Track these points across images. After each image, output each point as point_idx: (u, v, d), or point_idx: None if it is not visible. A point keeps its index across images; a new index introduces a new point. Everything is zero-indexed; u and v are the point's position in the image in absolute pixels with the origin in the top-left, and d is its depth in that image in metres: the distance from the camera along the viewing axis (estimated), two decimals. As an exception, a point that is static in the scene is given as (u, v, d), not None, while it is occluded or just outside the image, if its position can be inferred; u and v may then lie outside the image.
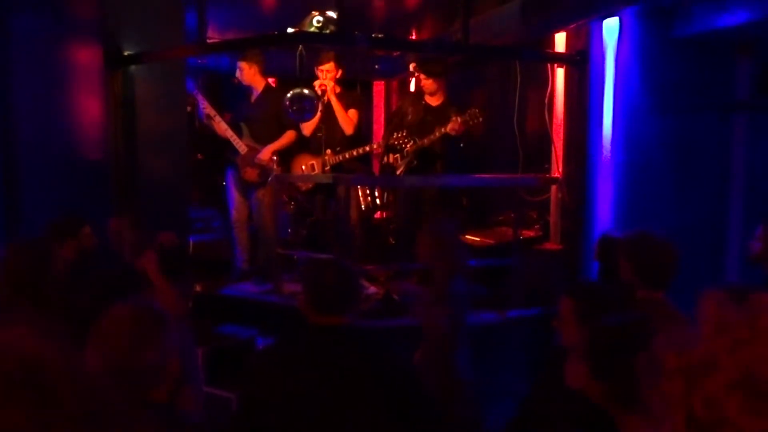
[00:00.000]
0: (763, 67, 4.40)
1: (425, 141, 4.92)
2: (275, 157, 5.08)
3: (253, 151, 5.05)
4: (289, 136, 5.13)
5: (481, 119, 4.72)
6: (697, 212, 4.34)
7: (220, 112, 5.20)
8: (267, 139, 5.08)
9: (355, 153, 5.08)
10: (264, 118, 5.09)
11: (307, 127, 5.16)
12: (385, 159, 5.12)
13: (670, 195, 4.31)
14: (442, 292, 3.00)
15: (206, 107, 5.08)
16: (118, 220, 3.68)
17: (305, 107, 4.58)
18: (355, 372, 1.96)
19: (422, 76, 5.05)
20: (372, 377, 1.96)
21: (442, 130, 4.80)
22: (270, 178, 4.98)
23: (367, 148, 5.08)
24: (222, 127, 5.07)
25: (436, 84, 5.04)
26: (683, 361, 1.02)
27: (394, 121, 5.27)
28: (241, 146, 5.07)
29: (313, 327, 2.09)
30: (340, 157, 5.08)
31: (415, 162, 5.01)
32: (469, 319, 4.38)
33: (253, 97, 5.18)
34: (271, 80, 7.16)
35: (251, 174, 5.06)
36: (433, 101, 5.12)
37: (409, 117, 5.13)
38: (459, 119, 4.72)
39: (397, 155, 5.06)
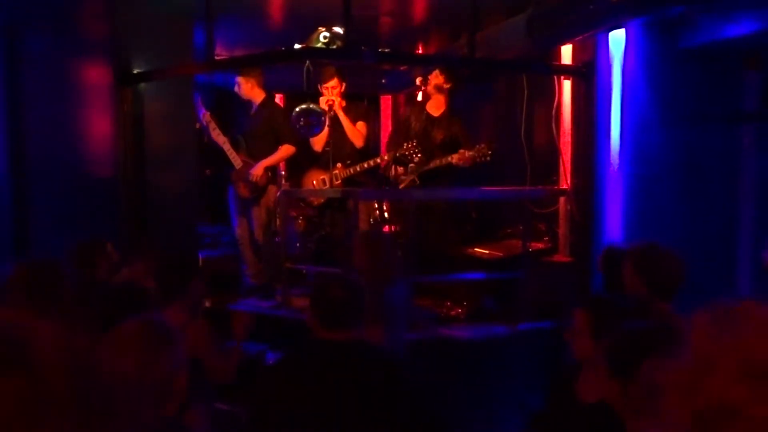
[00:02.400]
0: (771, 77, 4.39)
1: (430, 165, 4.95)
2: (283, 172, 5.11)
3: (247, 166, 5.07)
4: (284, 151, 5.11)
5: (489, 156, 4.76)
6: (707, 223, 4.31)
7: (228, 129, 5.25)
8: (263, 153, 5.09)
9: (366, 165, 5.10)
10: (260, 132, 5.13)
11: (318, 143, 5.19)
12: (392, 171, 5.13)
13: (679, 206, 4.29)
14: (377, 303, 2.99)
15: (209, 121, 5.12)
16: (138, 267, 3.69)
17: (312, 122, 4.61)
18: (364, 388, 1.95)
19: (436, 75, 5.04)
20: (381, 394, 1.95)
21: (448, 159, 4.86)
22: (278, 194, 5.01)
23: (378, 161, 5.10)
24: (220, 141, 5.11)
25: (443, 90, 5.07)
26: (682, 365, 1.02)
27: (400, 131, 5.30)
28: (236, 161, 5.10)
29: (320, 342, 2.08)
30: (351, 171, 5.10)
31: (418, 182, 5.03)
32: (478, 332, 4.41)
33: (252, 111, 5.23)
34: (278, 97, 7.24)
35: (243, 189, 5.09)
36: (435, 111, 5.15)
37: (413, 125, 5.18)
38: (467, 154, 4.79)
39: (401, 169, 5.08)
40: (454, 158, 4.83)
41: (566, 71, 4.76)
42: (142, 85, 4.76)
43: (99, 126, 4.52)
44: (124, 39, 4.63)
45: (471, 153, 4.79)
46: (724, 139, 4.47)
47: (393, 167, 5.11)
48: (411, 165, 5.00)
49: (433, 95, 5.16)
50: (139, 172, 4.74)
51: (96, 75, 4.52)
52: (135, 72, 4.71)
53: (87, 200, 4.29)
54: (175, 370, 1.53)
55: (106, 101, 4.53)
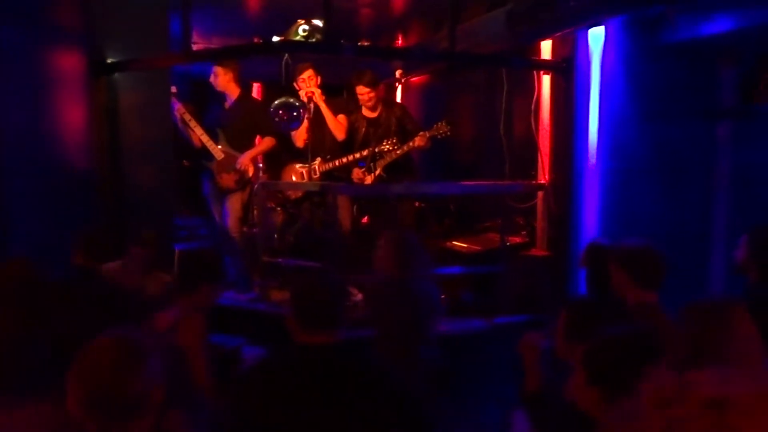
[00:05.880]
0: (747, 74, 4.44)
1: (392, 156, 4.98)
2: (261, 164, 5.09)
3: (230, 158, 5.07)
4: (267, 143, 5.18)
5: (447, 132, 4.81)
6: (683, 218, 4.37)
7: (201, 116, 5.21)
8: (243, 146, 5.12)
9: (345, 160, 5.08)
10: (240, 125, 5.13)
11: (299, 138, 5.18)
12: (353, 174, 5.14)
13: (656, 201, 4.34)
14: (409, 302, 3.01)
15: (183, 113, 5.07)
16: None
17: (292, 116, 4.58)
18: (347, 395, 1.93)
19: (361, 89, 5.07)
20: (366, 399, 1.93)
21: (410, 144, 4.91)
22: (256, 186, 4.98)
23: (357, 155, 5.08)
24: (198, 133, 5.08)
25: (374, 94, 5.10)
26: (657, 391, 1.04)
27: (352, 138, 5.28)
28: (217, 152, 5.08)
29: (301, 346, 2.05)
30: (330, 165, 5.08)
31: (384, 175, 5.06)
32: (456, 326, 4.42)
33: (228, 104, 5.20)
34: (255, 86, 7.16)
35: (228, 180, 5.09)
36: (371, 113, 5.17)
37: (360, 131, 5.20)
38: (427, 134, 4.87)
39: (358, 171, 5.10)
40: (415, 142, 4.90)
41: (546, 66, 4.77)
42: (117, 75, 4.67)
43: (73, 117, 4.43)
44: (98, 28, 4.53)
45: (430, 132, 4.89)
46: (701, 135, 4.52)
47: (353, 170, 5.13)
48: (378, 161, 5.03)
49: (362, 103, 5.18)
50: (115, 164, 4.66)
51: (69, 65, 4.42)
52: (109, 62, 4.62)
53: (61, 193, 4.21)
54: (151, 385, 1.51)
55: (81, 92, 4.44)
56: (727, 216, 4.49)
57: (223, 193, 5.14)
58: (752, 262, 2.86)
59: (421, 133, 4.92)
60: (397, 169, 5.10)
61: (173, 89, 5.01)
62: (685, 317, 1.94)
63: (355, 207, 5.31)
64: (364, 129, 5.20)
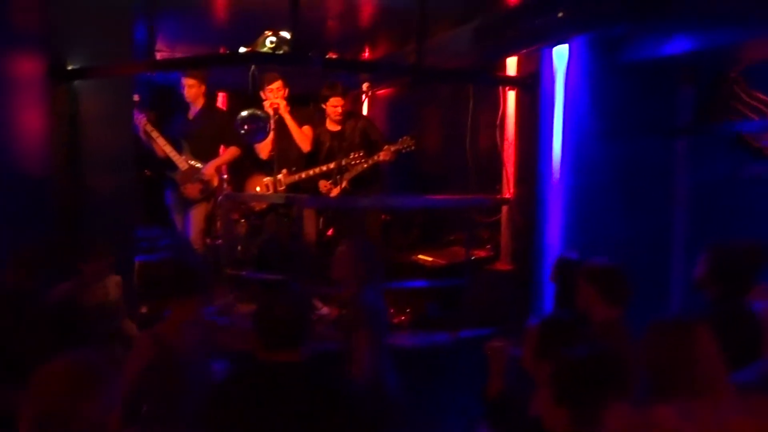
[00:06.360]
0: (704, 93, 4.57)
1: (358, 169, 4.97)
2: (225, 176, 5.04)
3: (194, 168, 5.02)
4: (232, 152, 5.15)
5: (412, 146, 4.85)
6: (644, 234, 4.44)
7: (164, 124, 5.14)
8: (207, 157, 5.08)
9: (311, 173, 5.06)
10: (204, 135, 5.09)
11: (263, 151, 5.14)
12: (321, 186, 5.12)
13: (618, 217, 4.41)
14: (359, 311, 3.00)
15: (145, 124, 5.00)
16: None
17: (256, 127, 4.54)
18: (310, 415, 1.89)
19: (335, 101, 5.07)
20: (330, 421, 1.90)
21: (375, 158, 4.93)
22: (220, 198, 4.93)
23: (324, 168, 5.06)
24: (161, 143, 5.02)
25: (343, 106, 5.12)
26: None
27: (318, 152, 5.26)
28: (181, 162, 5.02)
29: (265, 365, 2.00)
30: (296, 177, 5.06)
31: (350, 188, 5.06)
32: (420, 340, 4.42)
33: (191, 114, 5.14)
34: (221, 96, 7.09)
35: (193, 190, 5.03)
36: (335, 127, 5.17)
37: (326, 145, 5.20)
38: (392, 148, 4.89)
39: (325, 183, 5.09)
40: (380, 156, 4.91)
41: (511, 82, 4.83)
42: (79, 81, 4.57)
43: (29, 123, 4.31)
44: (60, 33, 4.43)
45: (396, 146, 4.91)
46: (660, 151, 4.62)
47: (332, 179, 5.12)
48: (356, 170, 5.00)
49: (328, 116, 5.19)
50: (74, 173, 4.55)
51: (26, 70, 4.30)
52: (69, 68, 4.51)
53: (18, 202, 4.09)
54: (106, 411, 1.46)
55: (38, 98, 4.33)
56: (686, 231, 4.59)
57: (187, 204, 5.08)
58: (711, 279, 2.89)
59: (386, 146, 4.94)
60: (363, 181, 5.09)
61: (136, 98, 4.92)
62: (650, 338, 1.95)
63: (321, 219, 5.28)
64: (328, 143, 5.18)
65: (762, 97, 4.32)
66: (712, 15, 3.53)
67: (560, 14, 3.78)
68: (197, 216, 5.06)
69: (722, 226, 4.22)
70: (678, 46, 3.92)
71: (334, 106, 5.06)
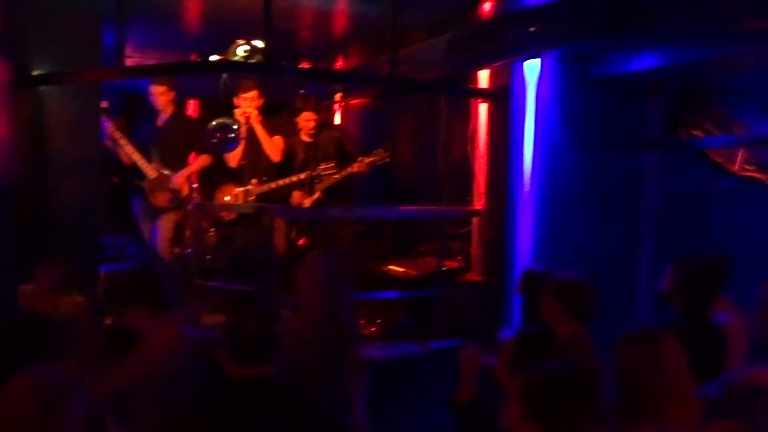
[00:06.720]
0: (671, 108, 4.65)
1: (331, 179, 4.97)
2: (195, 185, 4.98)
3: (163, 176, 4.95)
4: (203, 160, 5.08)
5: (387, 159, 4.85)
6: (612, 246, 4.49)
7: (132, 131, 5.06)
8: (177, 165, 5.01)
9: (282, 183, 5.03)
10: (174, 143, 5.02)
11: (233, 159, 5.10)
12: (294, 196, 5.09)
13: (587, 229, 4.45)
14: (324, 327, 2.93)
15: (113, 131, 4.92)
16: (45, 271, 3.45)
17: (228, 137, 4.50)
18: (288, 429, 1.86)
19: (308, 115, 5.07)
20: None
21: (349, 170, 4.94)
22: (189, 206, 4.86)
23: (294, 178, 5.03)
24: (129, 151, 4.94)
25: (316, 120, 5.13)
26: None
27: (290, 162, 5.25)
28: (150, 171, 4.95)
29: (235, 380, 1.97)
30: (267, 187, 5.02)
31: (323, 198, 5.06)
32: (391, 351, 4.40)
33: (161, 121, 5.07)
34: (192, 103, 7.02)
35: (162, 199, 4.96)
36: (309, 139, 5.17)
37: (299, 157, 5.19)
38: (366, 160, 4.90)
39: (298, 194, 5.06)
40: (354, 167, 4.92)
41: (483, 95, 4.87)
42: (45, 87, 4.47)
43: (-6, 130, 4.21)
44: (27, 37, 4.33)
45: (370, 159, 4.92)
46: (629, 165, 4.69)
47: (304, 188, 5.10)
48: (327, 181, 4.99)
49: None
50: (38, 180, 4.45)
51: (-8, 75, 4.21)
52: (35, 74, 4.42)
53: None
54: (70, 426, 1.42)
55: (4, 104, 4.23)
56: (654, 244, 4.65)
57: (156, 213, 5.00)
58: (676, 292, 2.93)
59: (361, 158, 4.94)
60: (336, 192, 5.08)
61: (104, 104, 4.84)
62: (618, 349, 1.97)
63: (294, 229, 5.25)
64: (302, 154, 5.16)
65: (724, 112, 4.42)
66: (680, 33, 3.60)
67: (533, 29, 3.82)
68: (166, 225, 4.98)
69: (689, 239, 4.30)
70: (646, 61, 3.99)
71: (306, 120, 5.06)
